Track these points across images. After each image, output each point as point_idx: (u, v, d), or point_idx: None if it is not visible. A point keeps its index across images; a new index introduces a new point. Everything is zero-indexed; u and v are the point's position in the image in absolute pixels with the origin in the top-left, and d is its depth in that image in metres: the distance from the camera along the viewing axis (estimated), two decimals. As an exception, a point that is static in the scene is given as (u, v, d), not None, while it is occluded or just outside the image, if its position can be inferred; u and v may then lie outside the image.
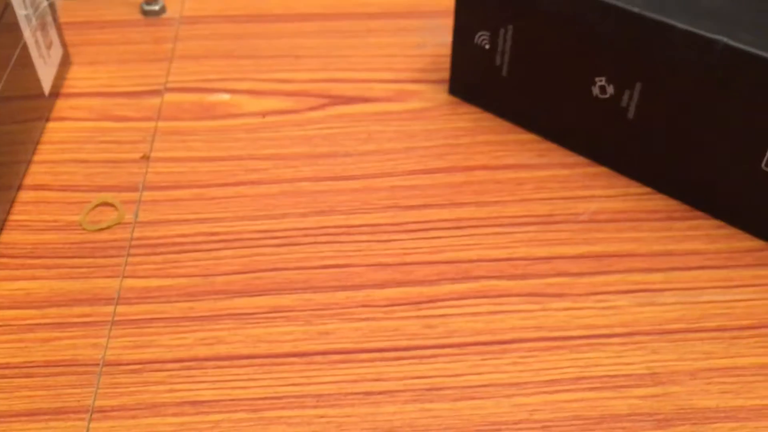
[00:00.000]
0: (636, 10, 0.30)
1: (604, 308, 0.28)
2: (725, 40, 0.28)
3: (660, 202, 0.32)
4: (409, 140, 0.35)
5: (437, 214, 0.32)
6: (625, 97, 0.32)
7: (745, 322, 0.28)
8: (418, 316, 0.28)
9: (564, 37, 0.32)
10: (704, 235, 0.31)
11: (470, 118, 0.36)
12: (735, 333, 0.27)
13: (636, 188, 0.33)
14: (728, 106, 0.29)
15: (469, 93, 0.37)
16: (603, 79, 0.32)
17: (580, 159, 0.34)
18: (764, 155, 0.29)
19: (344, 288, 0.29)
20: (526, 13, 0.33)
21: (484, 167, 0.34)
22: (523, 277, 0.29)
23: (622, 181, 0.33)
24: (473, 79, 0.37)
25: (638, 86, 0.31)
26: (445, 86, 0.38)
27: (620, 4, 0.30)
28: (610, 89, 0.32)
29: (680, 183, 0.32)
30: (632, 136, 0.32)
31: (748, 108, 0.28)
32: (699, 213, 0.32)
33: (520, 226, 0.31)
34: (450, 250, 0.30)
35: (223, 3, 0.44)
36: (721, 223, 0.31)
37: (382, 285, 0.29)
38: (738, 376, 0.26)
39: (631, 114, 0.32)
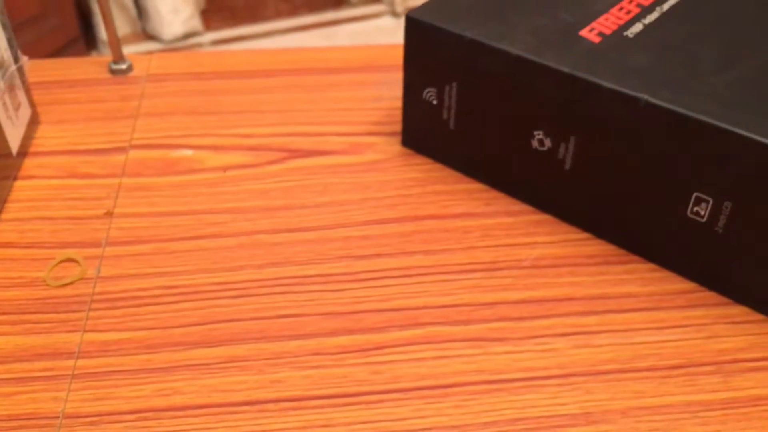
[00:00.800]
0: (566, 70, 0.32)
1: (542, 351, 0.30)
2: (646, 97, 0.30)
3: (598, 247, 0.34)
4: (363, 191, 0.37)
5: (387, 263, 0.33)
6: (561, 149, 0.34)
7: (674, 362, 0.29)
8: (366, 363, 0.29)
9: (503, 93, 0.34)
10: (638, 279, 0.33)
11: (422, 169, 0.38)
12: (665, 372, 0.29)
13: (576, 234, 0.35)
14: (653, 158, 0.31)
15: (421, 145, 0.39)
16: (541, 132, 0.34)
17: (525, 207, 0.36)
18: (689, 203, 0.31)
19: (297, 337, 0.30)
20: (468, 71, 0.35)
21: (434, 216, 0.36)
22: (467, 322, 0.31)
23: (563, 227, 0.35)
24: (423, 132, 0.39)
25: (572, 140, 0.33)
26: (399, 138, 0.40)
27: (552, 65, 0.32)
28: (548, 142, 0.34)
29: (615, 229, 0.34)
30: (570, 186, 0.34)
31: (670, 160, 0.31)
32: (634, 257, 0.34)
33: (465, 273, 0.33)
34: (399, 298, 0.32)
35: (189, 60, 0.46)
36: (655, 267, 0.33)
37: (333, 333, 0.30)
38: (666, 414, 0.28)
39: (567, 165, 0.34)
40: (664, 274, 0.33)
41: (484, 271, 0.33)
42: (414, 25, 0.36)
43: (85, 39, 1.98)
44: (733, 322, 0.31)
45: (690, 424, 0.27)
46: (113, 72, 0.44)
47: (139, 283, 0.32)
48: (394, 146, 0.40)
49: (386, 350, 0.30)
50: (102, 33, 1.93)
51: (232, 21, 2.14)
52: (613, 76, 0.31)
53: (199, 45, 2.03)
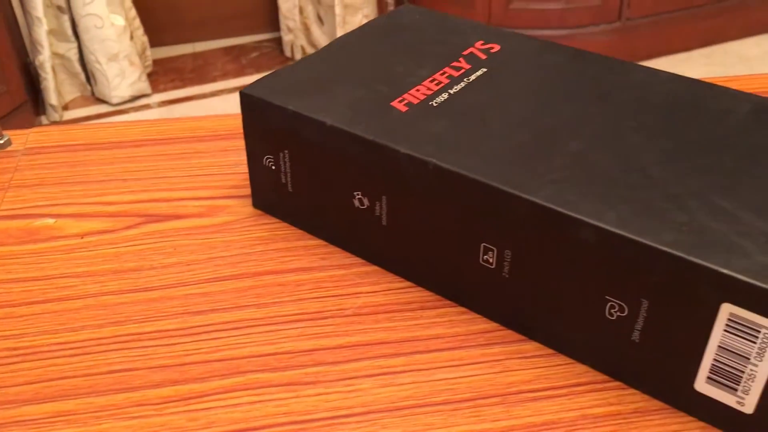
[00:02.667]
0: (370, 137, 0.36)
1: (349, 391, 0.33)
2: (434, 161, 0.34)
3: (416, 294, 0.38)
4: (210, 251, 0.40)
5: (221, 317, 0.36)
6: (377, 207, 0.37)
7: (466, 395, 0.33)
8: (185, 411, 0.32)
9: (325, 159, 0.38)
10: (448, 321, 0.36)
11: (268, 229, 0.42)
12: (455, 405, 0.32)
13: (398, 283, 0.38)
14: (446, 212, 0.35)
15: (268, 206, 0.43)
16: (359, 192, 0.38)
17: (357, 260, 0.40)
18: (479, 252, 0.35)
19: (124, 390, 0.33)
20: (295, 140, 0.39)
21: (271, 272, 0.39)
22: (285, 369, 0.34)
23: (388, 277, 0.39)
24: (268, 195, 0.42)
25: (384, 199, 0.37)
26: (251, 200, 0.44)
27: (359, 133, 0.36)
28: (366, 201, 0.38)
29: (430, 277, 0.38)
30: (388, 240, 0.38)
31: (460, 216, 0.34)
32: (448, 302, 0.37)
33: (292, 323, 0.36)
34: (226, 349, 0.35)
35: (64, 134, 0.49)
36: (465, 310, 0.37)
37: (159, 385, 0.33)
38: (452, 443, 0.31)
39: (384, 221, 0.38)
40: (472, 316, 0.36)
41: (309, 320, 0.36)
42: (247, 100, 0.39)
43: (33, 104, 2.02)
44: (524, 357, 0.34)
45: (472, 452, 0.30)
46: (-9, 147, 0.48)
47: (-17, 347, 0.35)
48: (247, 208, 0.43)
49: (206, 398, 0.33)
50: (51, 97, 1.96)
51: (180, 82, 2.19)
52: (410, 142, 0.35)
53: (147, 106, 2.07)
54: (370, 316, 0.36)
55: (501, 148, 0.35)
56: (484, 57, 0.42)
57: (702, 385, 0.30)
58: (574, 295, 0.32)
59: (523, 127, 0.36)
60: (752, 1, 2.06)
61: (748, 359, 0.29)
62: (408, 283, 0.38)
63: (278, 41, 2.22)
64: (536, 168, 0.33)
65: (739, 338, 0.28)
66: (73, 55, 1.98)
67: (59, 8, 1.89)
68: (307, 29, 2.12)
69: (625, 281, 0.31)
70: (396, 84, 0.40)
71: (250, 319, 0.36)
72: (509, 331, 0.36)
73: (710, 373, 0.30)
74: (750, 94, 0.38)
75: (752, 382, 0.29)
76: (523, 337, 0.35)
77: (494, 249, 0.34)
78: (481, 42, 0.44)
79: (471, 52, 0.43)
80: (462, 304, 0.37)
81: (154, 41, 2.17)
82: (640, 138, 0.35)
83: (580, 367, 0.34)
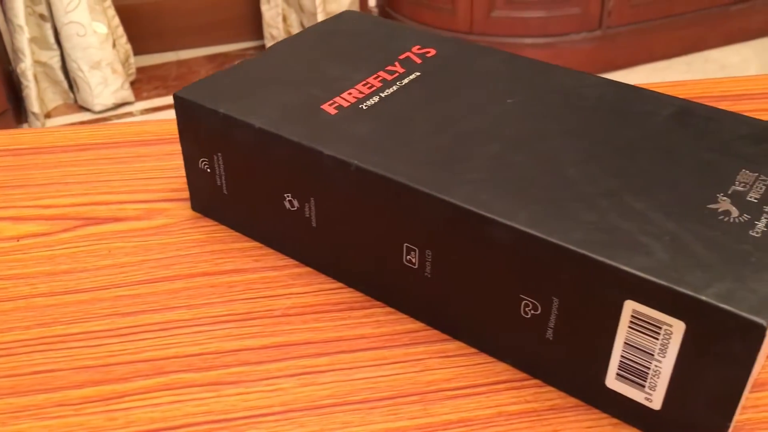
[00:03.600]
0: (295, 139, 0.36)
1: (270, 390, 0.33)
2: (356, 162, 0.35)
3: (346, 295, 0.38)
4: (145, 254, 0.40)
5: (150, 318, 0.37)
6: (307, 209, 0.38)
7: (385, 394, 0.33)
8: (104, 411, 0.32)
9: (256, 161, 0.38)
10: (375, 321, 0.37)
11: (205, 231, 0.42)
12: (374, 404, 0.32)
13: (329, 284, 0.39)
14: (370, 215, 0.35)
15: (206, 209, 0.43)
16: (289, 194, 0.38)
17: (290, 261, 0.40)
18: (402, 254, 0.35)
19: (45, 391, 0.33)
20: (227, 143, 0.39)
21: (204, 273, 0.39)
22: (209, 369, 0.34)
23: (319, 278, 0.39)
24: (205, 198, 0.42)
25: (313, 200, 0.37)
26: (190, 204, 0.44)
27: (286, 135, 0.36)
28: (296, 203, 0.38)
29: (359, 278, 0.38)
30: (318, 241, 0.38)
31: (383, 217, 0.35)
32: (377, 303, 0.38)
33: (220, 324, 0.36)
34: (151, 350, 0.35)
35: (10, 138, 0.49)
36: (393, 311, 0.37)
37: (81, 385, 0.33)
38: (367, 441, 0.31)
39: (314, 223, 0.38)
40: (399, 316, 0.37)
41: (238, 321, 0.37)
42: (180, 103, 0.40)
43: (15, 112, 2.01)
44: (446, 356, 0.35)
45: (387, 450, 0.31)
46: (-64, 152, 0.48)
47: None
48: (185, 211, 0.43)
49: (126, 398, 0.33)
50: (33, 105, 1.96)
51: (164, 90, 2.20)
52: (335, 144, 0.36)
53: (130, 114, 2.08)
54: (298, 317, 0.37)
55: (423, 150, 0.35)
56: (419, 61, 0.43)
57: (612, 381, 0.31)
58: (491, 294, 0.33)
59: (447, 129, 0.37)
60: (732, 10, 2.08)
61: (653, 355, 0.29)
62: (339, 284, 0.39)
63: (262, 49, 2.23)
64: (455, 169, 0.34)
65: (642, 335, 0.29)
66: (56, 62, 1.99)
67: (41, 16, 1.89)
68: (290, 37, 2.13)
69: (537, 280, 0.31)
70: (329, 87, 0.40)
71: (179, 320, 0.37)
72: (434, 331, 0.36)
73: (619, 369, 0.30)
74: (674, 98, 0.39)
75: (658, 378, 0.29)
76: (447, 337, 0.36)
77: (416, 249, 0.34)
78: (418, 47, 0.44)
79: (407, 57, 0.43)
80: (389, 305, 0.38)
81: (138, 49, 2.18)
82: (560, 140, 0.36)
83: (501, 366, 0.34)
